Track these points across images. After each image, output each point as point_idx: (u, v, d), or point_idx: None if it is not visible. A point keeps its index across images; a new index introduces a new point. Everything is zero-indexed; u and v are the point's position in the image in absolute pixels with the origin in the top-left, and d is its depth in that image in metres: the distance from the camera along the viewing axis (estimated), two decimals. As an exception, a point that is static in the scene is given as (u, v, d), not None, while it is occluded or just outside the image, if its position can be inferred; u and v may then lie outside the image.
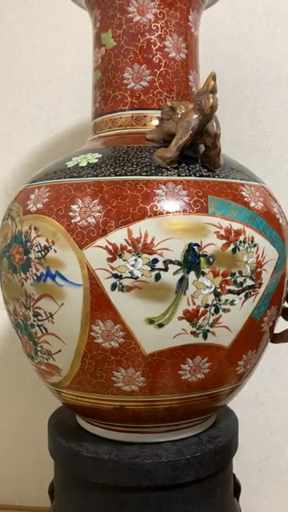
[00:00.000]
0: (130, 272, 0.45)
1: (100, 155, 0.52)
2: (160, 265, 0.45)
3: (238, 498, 0.65)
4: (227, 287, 0.47)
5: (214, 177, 0.50)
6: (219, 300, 0.47)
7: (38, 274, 0.49)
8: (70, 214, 0.47)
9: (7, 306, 0.56)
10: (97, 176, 0.49)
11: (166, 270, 0.45)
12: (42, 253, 0.48)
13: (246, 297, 0.49)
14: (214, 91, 0.47)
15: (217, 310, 0.48)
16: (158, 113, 0.56)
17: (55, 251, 0.48)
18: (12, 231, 0.52)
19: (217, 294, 0.47)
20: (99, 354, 0.48)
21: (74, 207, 0.47)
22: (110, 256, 0.46)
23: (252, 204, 0.50)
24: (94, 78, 0.60)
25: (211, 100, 0.47)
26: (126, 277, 0.46)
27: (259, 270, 0.49)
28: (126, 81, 0.57)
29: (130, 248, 0.45)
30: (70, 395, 0.54)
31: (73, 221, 0.47)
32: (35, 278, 0.49)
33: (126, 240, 0.45)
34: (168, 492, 0.54)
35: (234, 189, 0.50)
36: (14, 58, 0.85)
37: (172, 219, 0.46)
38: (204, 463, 0.54)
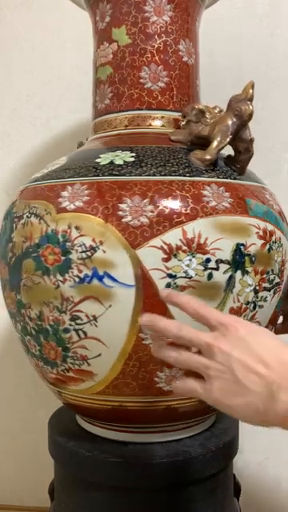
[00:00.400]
0: (185, 272, 0.46)
1: (133, 154, 0.51)
2: (212, 264, 0.47)
3: (238, 498, 0.66)
4: (263, 285, 0.50)
5: (244, 180, 0.52)
6: (257, 297, 0.50)
7: (81, 275, 0.47)
8: (120, 213, 0.46)
9: (26, 312, 0.51)
10: (141, 175, 0.48)
11: (217, 269, 0.47)
12: (88, 253, 0.46)
13: (275, 293, 0.52)
14: (251, 99, 0.50)
15: (254, 307, 0.50)
16: (175, 114, 0.57)
17: (104, 251, 0.46)
18: (41, 230, 0.49)
19: (255, 292, 0.50)
20: (145, 356, 0.48)
21: (123, 206, 0.46)
22: (165, 256, 0.46)
23: (274, 206, 0.54)
24: (102, 73, 0.59)
25: (251, 108, 0.49)
26: (181, 276, 0.46)
27: (283, 268, 0.53)
28: (142, 80, 0.56)
29: (185, 248, 0.46)
30: (98, 401, 0.52)
31: (123, 220, 0.46)
32: (77, 279, 0.47)
33: (180, 240, 0.46)
34: (168, 492, 0.54)
35: (259, 191, 0.53)
36: (14, 58, 0.85)
37: (222, 220, 0.47)
38: (205, 463, 0.54)
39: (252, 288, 0.49)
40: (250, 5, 0.79)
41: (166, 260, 0.46)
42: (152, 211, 0.46)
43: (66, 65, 0.83)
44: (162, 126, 0.57)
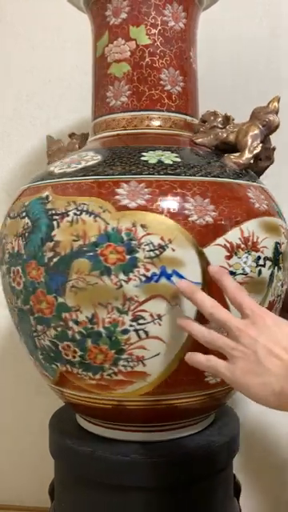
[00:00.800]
0: (243, 269, 0.49)
1: (175, 154, 0.52)
2: (261, 261, 0.50)
3: (238, 498, 0.66)
4: (287, 280, 0.56)
5: (260, 183, 0.57)
6: (282, 291, 0.55)
7: (149, 274, 0.46)
8: (186, 212, 0.47)
9: (70, 316, 0.48)
10: (194, 175, 0.49)
11: (264, 266, 0.51)
12: (156, 252, 0.46)
13: (288, 287, 0.59)
14: (277, 112, 0.55)
15: (280, 300, 0.56)
16: (188, 118, 0.59)
17: (173, 250, 0.46)
18: (98, 229, 0.46)
19: (282, 286, 0.55)
20: (203, 351, 0.49)
21: (188, 205, 0.47)
22: (228, 254, 0.48)
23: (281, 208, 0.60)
24: (116, 70, 0.58)
25: (277, 119, 0.55)
26: (240, 273, 0.49)
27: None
28: (162, 82, 0.57)
29: (243, 246, 0.49)
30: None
31: (190, 219, 0.47)
32: (143, 278, 0.46)
33: (239, 239, 0.49)
34: (169, 491, 0.55)
35: (270, 194, 0.58)
36: (14, 58, 0.85)
37: (267, 220, 0.51)
38: (205, 463, 0.56)
39: (281, 283, 0.54)
40: (250, 5, 0.80)
41: (229, 258, 0.48)
42: (214, 211, 0.48)
43: (66, 65, 0.82)
44: (181, 128, 0.58)
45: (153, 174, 0.49)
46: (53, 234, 0.48)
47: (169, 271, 0.46)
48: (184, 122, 0.59)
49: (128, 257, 0.46)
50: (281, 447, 0.83)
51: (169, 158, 0.51)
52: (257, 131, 0.54)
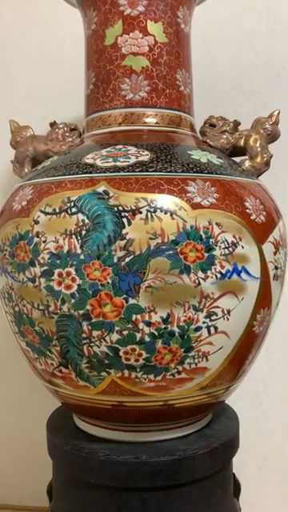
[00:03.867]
0: (280, 263, 0.54)
1: (214, 155, 0.54)
2: None
3: (238, 497, 0.66)
4: None
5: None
6: None
7: (224, 271, 0.47)
8: (247, 211, 0.49)
9: (142, 317, 0.46)
10: (240, 176, 0.52)
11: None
12: (230, 249, 0.47)
13: None
14: (278, 123, 0.61)
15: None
16: (193, 119, 0.61)
17: (242, 247, 0.48)
18: (177, 226, 0.45)
19: None
20: (250, 341, 0.52)
21: (247, 205, 0.50)
22: (275, 250, 0.52)
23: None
24: (134, 62, 0.56)
25: (279, 131, 0.61)
26: (279, 267, 0.54)
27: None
28: (178, 82, 0.58)
29: (282, 243, 0.54)
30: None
31: (251, 218, 0.50)
32: (219, 275, 0.47)
33: (280, 236, 0.53)
34: (167, 492, 0.56)
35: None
36: (12, 55, 0.85)
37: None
38: (204, 462, 0.55)
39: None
40: (250, 1, 0.78)
41: (275, 253, 0.52)
42: (264, 210, 0.52)
43: (64, 62, 0.81)
44: (191, 130, 0.60)
45: (211, 174, 0.50)
46: (124, 231, 0.45)
47: (239, 267, 0.48)
48: (191, 123, 0.60)
49: (206, 254, 0.46)
50: (281, 446, 0.84)
51: (213, 158, 0.53)
52: (265, 139, 0.60)
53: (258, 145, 0.59)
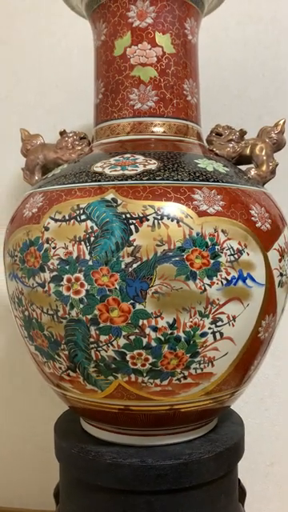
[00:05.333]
0: (286, 270, 0.55)
1: (220, 164, 0.55)
2: (291, 264, 0.57)
3: (243, 503, 0.66)
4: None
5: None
6: None
7: (229, 277, 0.48)
8: (253, 218, 0.50)
9: (148, 322, 0.46)
10: (245, 185, 0.53)
11: (290, 267, 0.58)
12: (235, 256, 0.48)
13: None
14: (283, 132, 0.62)
15: None
16: (201, 129, 0.62)
17: (248, 254, 0.49)
18: (183, 233, 0.46)
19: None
20: (256, 347, 0.53)
21: (253, 212, 0.51)
22: (280, 257, 0.53)
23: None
24: (142, 73, 0.57)
25: (285, 140, 0.62)
26: (284, 274, 0.54)
27: None
28: (185, 92, 0.59)
29: (287, 250, 0.54)
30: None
31: (256, 225, 0.50)
32: (224, 282, 0.48)
33: (285, 243, 0.54)
34: (172, 496, 0.57)
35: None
36: (23, 65, 0.88)
37: None
38: (209, 467, 0.55)
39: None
40: (256, 10, 0.80)
41: (280, 261, 0.53)
42: (269, 218, 0.52)
43: (72, 71, 0.83)
44: (198, 139, 0.61)
45: (217, 182, 0.51)
46: (131, 238, 0.46)
47: (244, 274, 0.49)
48: (197, 132, 0.62)
49: (212, 261, 0.47)
50: (287, 453, 0.84)
51: (219, 167, 0.54)
52: (271, 148, 0.61)
53: (263, 153, 0.60)
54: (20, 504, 0.90)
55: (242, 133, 0.61)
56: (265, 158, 0.60)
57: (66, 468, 0.60)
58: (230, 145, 0.61)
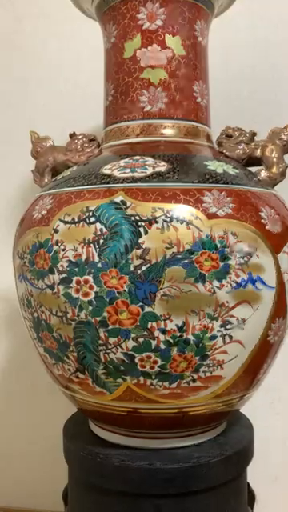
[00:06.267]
0: (295, 273, 0.54)
1: (230, 166, 0.55)
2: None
3: (253, 507, 0.66)
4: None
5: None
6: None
7: (239, 280, 0.48)
8: (262, 221, 0.50)
9: (157, 325, 0.46)
10: (255, 186, 0.53)
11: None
12: (245, 258, 0.48)
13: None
14: (294, 134, 0.62)
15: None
16: (211, 130, 0.62)
17: (258, 256, 0.49)
18: (192, 236, 0.46)
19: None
20: (265, 351, 0.53)
21: (263, 215, 0.50)
22: (289, 260, 0.53)
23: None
24: (152, 75, 0.57)
25: (294, 141, 0.62)
26: (294, 277, 0.54)
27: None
28: (195, 93, 0.59)
29: (296, 253, 0.54)
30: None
31: (267, 228, 0.50)
32: (234, 284, 0.47)
33: (294, 246, 0.54)
34: (180, 499, 0.56)
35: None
36: (32, 68, 0.88)
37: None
38: (218, 470, 0.55)
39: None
40: (266, 11, 0.80)
41: (289, 263, 0.53)
42: (279, 220, 0.52)
43: (81, 74, 0.83)
44: (208, 140, 0.61)
45: (227, 184, 0.51)
46: (140, 241, 0.46)
47: (254, 277, 0.49)
48: (207, 134, 0.61)
49: (221, 264, 0.47)
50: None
51: (228, 168, 0.54)
52: (281, 151, 0.61)
53: (273, 155, 0.60)
54: (29, 504, 0.90)
55: (252, 134, 0.61)
56: (275, 159, 0.60)
57: (74, 470, 0.60)
58: (240, 146, 0.61)
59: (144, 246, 0.46)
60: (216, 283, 0.47)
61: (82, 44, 0.84)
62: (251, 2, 0.80)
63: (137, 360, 0.48)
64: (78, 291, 0.48)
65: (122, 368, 0.49)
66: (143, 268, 0.46)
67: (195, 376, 0.49)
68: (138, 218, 0.47)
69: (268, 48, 0.79)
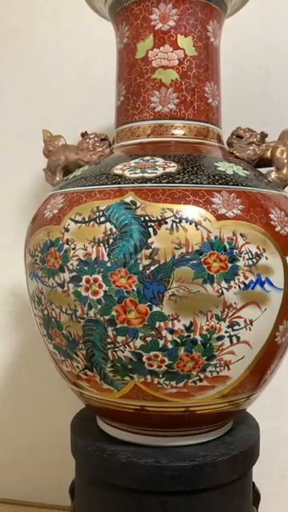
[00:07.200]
0: (304, 275, 0.54)
1: (240, 167, 0.55)
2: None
3: (258, 506, 0.66)
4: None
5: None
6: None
7: (247, 281, 0.48)
8: (272, 222, 0.50)
9: (165, 324, 0.47)
10: (265, 188, 0.53)
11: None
12: (254, 260, 0.48)
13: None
14: (305, 136, 0.62)
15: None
16: (221, 131, 0.62)
17: (266, 258, 0.49)
18: (201, 237, 0.47)
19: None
20: (272, 352, 0.53)
21: (272, 216, 0.51)
22: (297, 262, 0.53)
23: None
24: (164, 75, 0.58)
25: (308, 143, 0.62)
26: (302, 279, 0.54)
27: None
28: (206, 94, 0.59)
29: (305, 255, 0.54)
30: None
31: (276, 229, 0.50)
32: (242, 286, 0.48)
33: (303, 248, 0.54)
34: (186, 496, 0.57)
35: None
36: (45, 65, 0.89)
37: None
38: (223, 469, 0.55)
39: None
40: (279, 11, 0.80)
41: (297, 265, 0.53)
42: (288, 222, 0.52)
43: (94, 72, 0.84)
44: (218, 141, 0.61)
45: (237, 185, 0.51)
46: (149, 241, 0.47)
47: (262, 278, 0.49)
48: (218, 135, 0.61)
49: (230, 265, 0.47)
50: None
51: (238, 170, 0.54)
52: (292, 152, 0.61)
53: (284, 156, 0.60)
54: (37, 498, 0.91)
55: (263, 135, 0.61)
56: (286, 161, 0.60)
57: (82, 465, 0.61)
58: (251, 147, 0.61)
59: (153, 247, 0.47)
60: (224, 284, 0.47)
61: (95, 42, 0.84)
62: (264, 1, 0.80)
63: (144, 359, 0.49)
64: (87, 290, 0.49)
65: (129, 366, 0.50)
66: (152, 268, 0.47)
67: (202, 376, 0.50)
68: (147, 218, 0.47)
69: (280, 49, 0.79)
